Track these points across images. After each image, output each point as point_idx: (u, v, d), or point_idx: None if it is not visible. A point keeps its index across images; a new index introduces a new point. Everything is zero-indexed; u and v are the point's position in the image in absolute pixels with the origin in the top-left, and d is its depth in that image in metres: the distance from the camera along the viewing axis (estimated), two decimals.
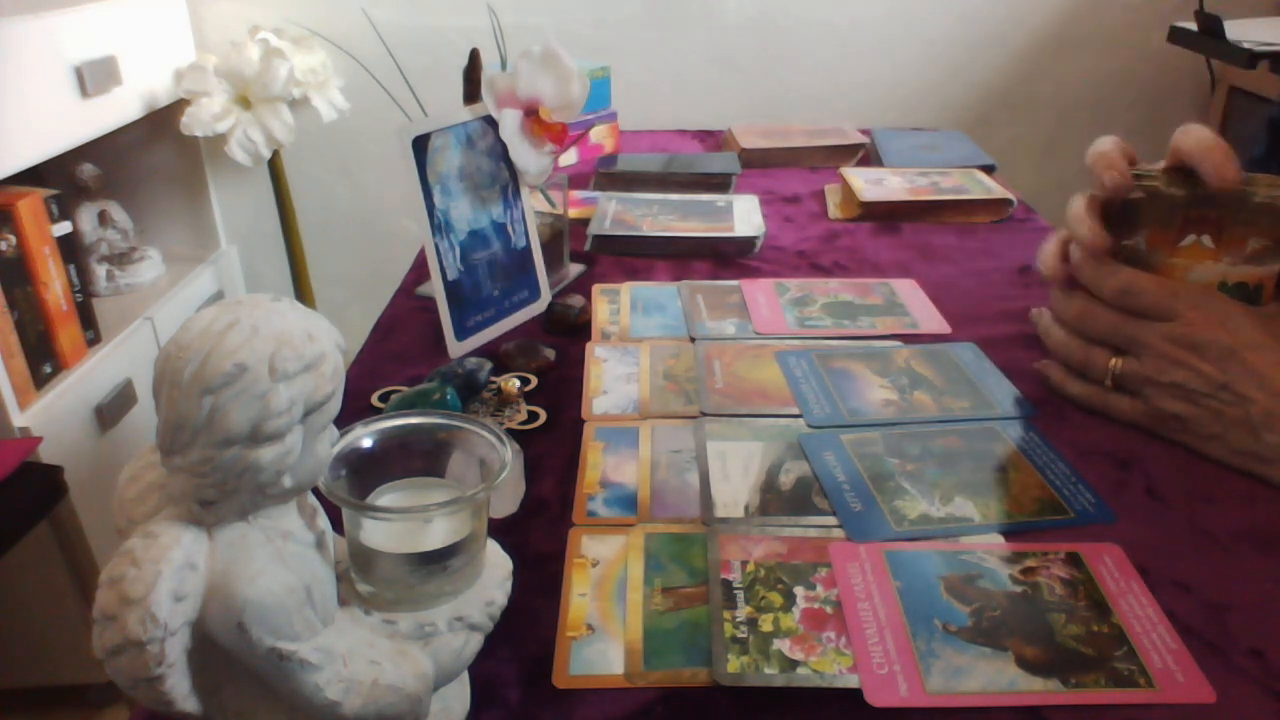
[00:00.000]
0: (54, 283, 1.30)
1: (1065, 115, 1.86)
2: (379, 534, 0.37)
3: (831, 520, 0.53)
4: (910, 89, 1.83)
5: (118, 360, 1.45)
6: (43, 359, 1.29)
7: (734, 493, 0.56)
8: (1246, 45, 1.38)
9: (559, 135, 0.75)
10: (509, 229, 0.77)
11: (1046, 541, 0.51)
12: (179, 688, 0.32)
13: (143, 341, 1.52)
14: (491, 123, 0.74)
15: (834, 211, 1.07)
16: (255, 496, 0.32)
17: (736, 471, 0.58)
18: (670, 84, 1.82)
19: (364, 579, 0.38)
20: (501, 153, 0.75)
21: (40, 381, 1.28)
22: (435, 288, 0.70)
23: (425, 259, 0.70)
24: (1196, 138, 0.58)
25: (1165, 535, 0.52)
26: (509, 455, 0.38)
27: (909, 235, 1.00)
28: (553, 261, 0.84)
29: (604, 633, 0.45)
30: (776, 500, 0.55)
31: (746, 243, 0.94)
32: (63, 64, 1.34)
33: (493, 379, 0.66)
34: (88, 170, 1.60)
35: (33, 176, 1.31)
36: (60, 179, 1.49)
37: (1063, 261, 0.64)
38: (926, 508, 0.54)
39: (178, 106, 1.62)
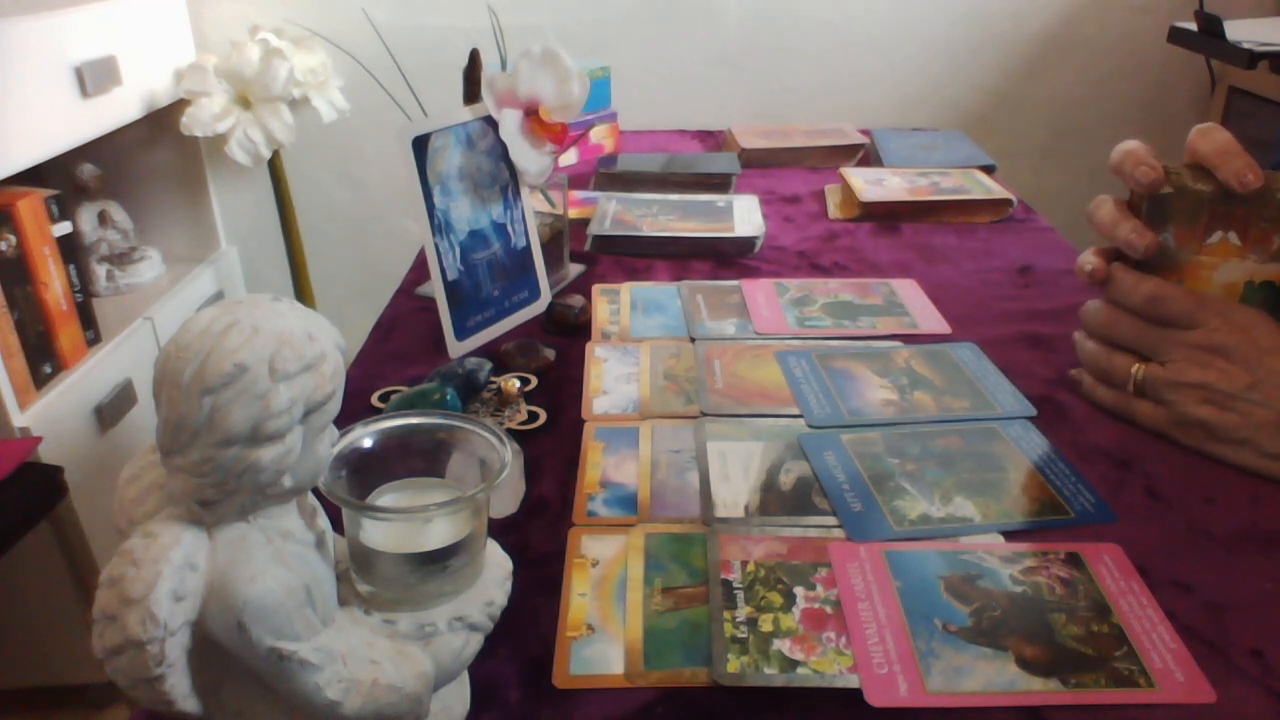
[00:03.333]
0: (54, 283, 1.30)
1: (1065, 115, 1.85)
2: (379, 534, 0.37)
3: (831, 520, 0.53)
4: (910, 89, 1.83)
5: (118, 360, 1.44)
6: (43, 359, 1.29)
7: (734, 493, 0.56)
8: (1246, 45, 1.38)
9: (559, 135, 0.75)
10: (509, 229, 0.77)
11: (1046, 541, 0.51)
12: (179, 688, 0.32)
13: (143, 341, 1.52)
14: (491, 123, 0.74)
15: (834, 211, 1.07)
16: (255, 496, 0.32)
17: (737, 471, 0.58)
18: (670, 84, 1.82)
19: (364, 579, 0.38)
20: (501, 153, 0.75)
21: (40, 381, 1.28)
22: (435, 288, 0.70)
23: (425, 259, 0.70)
24: (1215, 143, 0.58)
25: (1165, 535, 0.52)
26: (509, 455, 0.38)
27: (909, 235, 1.00)
28: (553, 261, 0.84)
29: (604, 633, 0.45)
30: (776, 500, 0.55)
31: (746, 243, 0.94)
32: (63, 64, 1.34)
33: (493, 379, 0.66)
34: (88, 170, 1.60)
35: (33, 176, 1.31)
36: (60, 179, 1.49)
37: (1100, 258, 0.63)
38: (927, 508, 0.54)
39: (178, 106, 1.62)
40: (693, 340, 0.75)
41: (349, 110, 1.74)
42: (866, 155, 1.27)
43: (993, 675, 0.42)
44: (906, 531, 0.52)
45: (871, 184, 1.08)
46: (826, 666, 0.43)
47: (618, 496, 0.55)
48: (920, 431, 0.62)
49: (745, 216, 0.99)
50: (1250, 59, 1.37)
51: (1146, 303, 0.60)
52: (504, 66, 0.82)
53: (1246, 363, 0.56)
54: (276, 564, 0.32)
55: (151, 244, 1.74)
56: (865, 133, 1.33)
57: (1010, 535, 0.52)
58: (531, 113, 0.74)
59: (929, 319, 0.79)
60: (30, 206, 1.25)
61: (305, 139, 1.79)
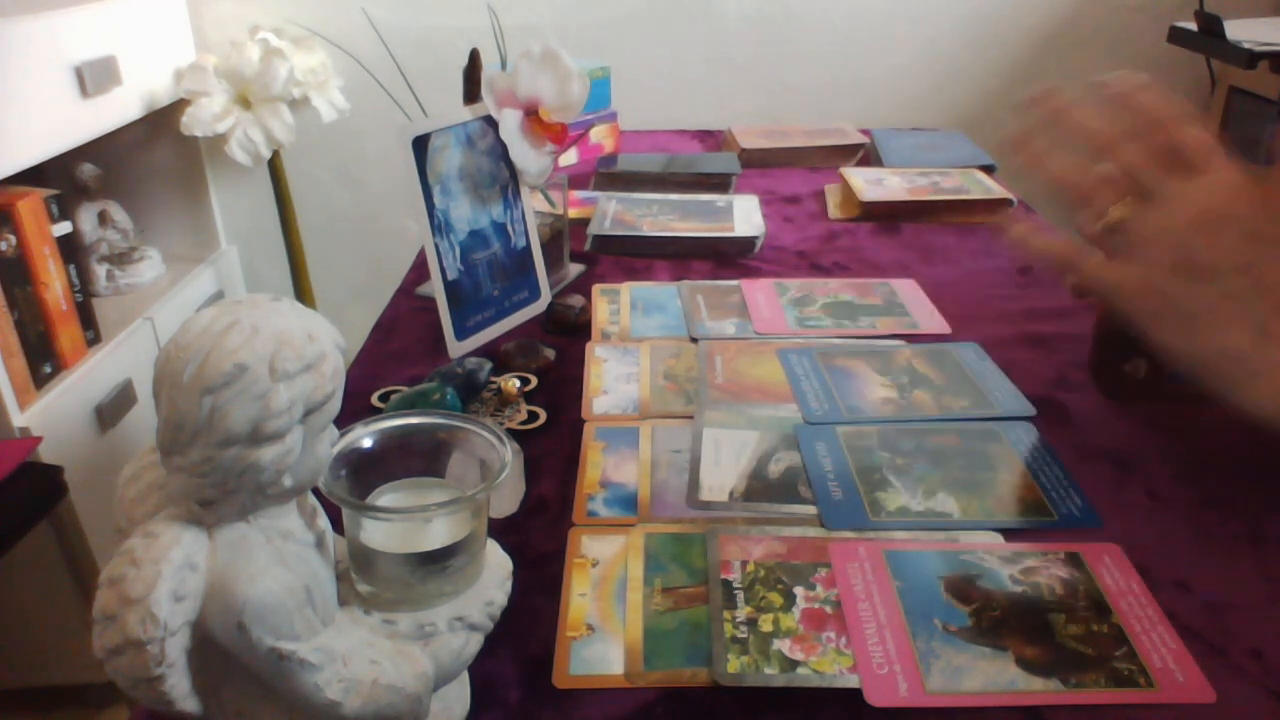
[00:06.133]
0: (54, 283, 1.30)
1: None
2: (379, 534, 0.37)
3: (811, 509, 0.53)
4: (910, 89, 1.83)
5: (118, 360, 1.44)
6: (43, 359, 1.29)
7: (722, 477, 0.56)
8: (1246, 45, 1.38)
9: (559, 135, 0.75)
10: (509, 229, 0.77)
11: (1047, 541, 0.51)
12: (179, 688, 0.32)
13: (143, 341, 1.52)
14: (491, 123, 0.74)
15: (834, 211, 1.07)
16: (255, 496, 0.32)
17: (728, 458, 0.58)
18: (670, 84, 1.82)
19: (364, 579, 0.38)
20: (501, 153, 0.75)
21: (40, 381, 1.28)
22: (435, 288, 0.70)
23: (425, 259, 0.70)
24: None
25: (1165, 535, 0.52)
26: (509, 455, 0.38)
27: (909, 235, 1.00)
28: (553, 261, 0.84)
29: (604, 633, 0.45)
30: (762, 487, 0.55)
31: (746, 243, 0.94)
32: (63, 64, 1.34)
33: (493, 379, 0.66)
34: (88, 170, 1.60)
35: (33, 176, 1.30)
36: (60, 179, 1.48)
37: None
38: (907, 501, 0.54)
39: (178, 106, 1.62)
40: (694, 340, 0.75)
41: (349, 110, 1.74)
42: (866, 155, 1.27)
43: (993, 675, 0.42)
44: (882, 522, 0.52)
45: (871, 184, 1.08)
46: (826, 666, 0.43)
47: (618, 496, 0.55)
48: (916, 429, 0.62)
49: (745, 216, 0.99)
50: (1250, 59, 1.37)
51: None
52: (504, 66, 0.82)
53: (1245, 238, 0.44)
54: (276, 564, 0.32)
55: (151, 244, 1.74)
56: (865, 133, 1.33)
57: (1010, 535, 0.52)
58: (531, 113, 0.74)
59: (929, 319, 0.79)
60: (30, 206, 1.25)
61: (305, 139, 1.78)
